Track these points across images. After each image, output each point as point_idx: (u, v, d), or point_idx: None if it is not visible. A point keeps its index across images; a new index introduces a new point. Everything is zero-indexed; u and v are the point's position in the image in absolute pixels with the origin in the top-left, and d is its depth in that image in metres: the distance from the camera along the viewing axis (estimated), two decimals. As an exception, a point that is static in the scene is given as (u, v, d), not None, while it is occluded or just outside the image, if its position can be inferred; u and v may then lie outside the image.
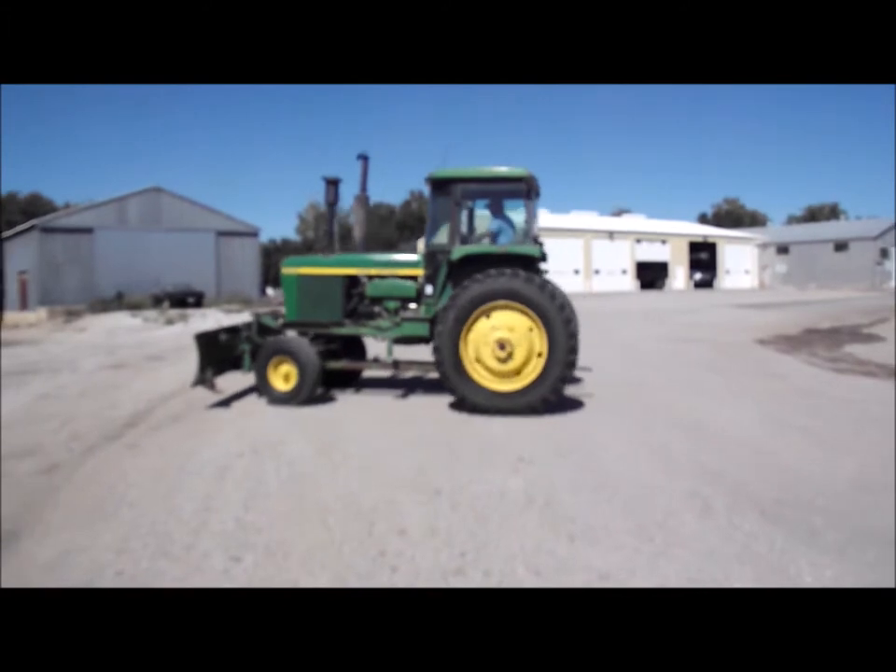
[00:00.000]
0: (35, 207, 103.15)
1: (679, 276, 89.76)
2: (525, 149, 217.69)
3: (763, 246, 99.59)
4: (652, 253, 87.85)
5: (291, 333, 15.30)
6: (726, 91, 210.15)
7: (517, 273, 13.00)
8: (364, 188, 15.84)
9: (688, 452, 10.23)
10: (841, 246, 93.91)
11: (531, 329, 12.97)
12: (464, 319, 13.06)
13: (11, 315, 71.21)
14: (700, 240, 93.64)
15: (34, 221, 66.56)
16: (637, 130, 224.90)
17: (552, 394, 12.79)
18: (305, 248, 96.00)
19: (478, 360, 13.10)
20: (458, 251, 13.86)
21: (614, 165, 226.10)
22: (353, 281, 15.35)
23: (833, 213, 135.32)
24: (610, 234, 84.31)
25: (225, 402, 14.65)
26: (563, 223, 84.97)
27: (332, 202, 15.91)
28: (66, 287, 63.00)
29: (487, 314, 13.12)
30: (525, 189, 13.96)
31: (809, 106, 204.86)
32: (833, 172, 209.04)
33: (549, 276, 14.32)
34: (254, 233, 72.61)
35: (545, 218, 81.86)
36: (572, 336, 12.85)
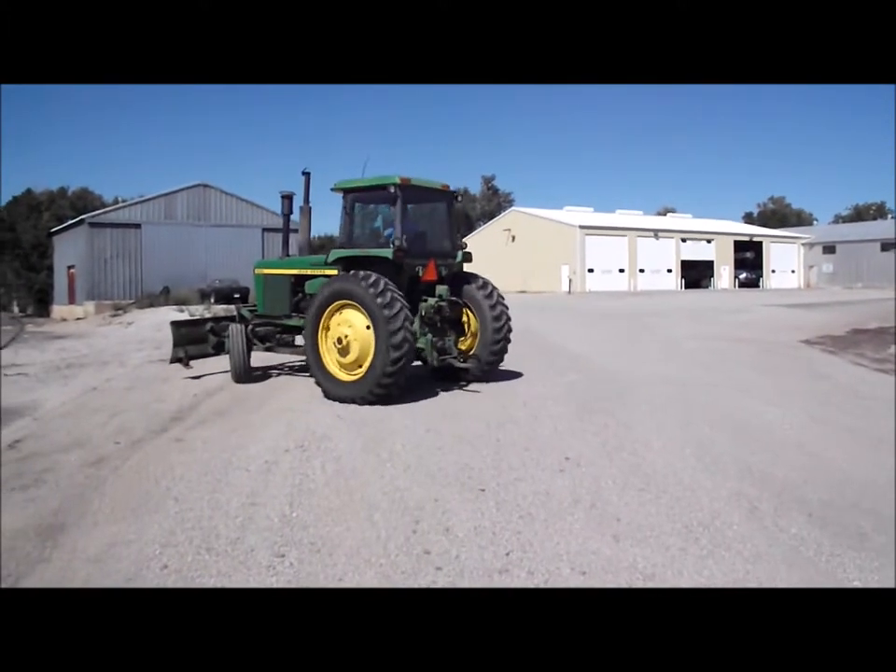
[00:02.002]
0: (84, 202, 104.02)
1: (725, 276, 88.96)
2: (571, 148, 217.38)
3: (809, 246, 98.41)
4: (698, 252, 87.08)
5: (235, 324, 17.43)
6: (772, 90, 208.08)
7: (356, 275, 14.01)
8: (307, 200, 17.19)
9: (733, 452, 10.15)
10: (888, 246, 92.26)
11: (368, 327, 13.76)
12: (318, 315, 14.47)
13: (59, 309, 72.19)
14: (745, 239, 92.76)
15: (82, 216, 67.21)
16: (683, 129, 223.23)
17: (374, 389, 13.45)
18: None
19: (331, 353, 14.39)
20: (332, 254, 15.54)
21: (660, 164, 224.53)
22: (300, 280, 16.58)
23: (879, 212, 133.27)
24: (656, 233, 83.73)
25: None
26: (608, 222, 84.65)
27: (287, 213, 17.60)
28: (114, 281, 63.57)
29: (341, 310, 14.34)
30: (392, 196, 14.76)
31: (855, 105, 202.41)
32: (879, 170, 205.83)
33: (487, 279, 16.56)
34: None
35: (590, 217, 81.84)
36: (393, 343, 13.29)
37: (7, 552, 7.06)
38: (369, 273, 13.91)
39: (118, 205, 73.98)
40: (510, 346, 16.03)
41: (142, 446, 10.97)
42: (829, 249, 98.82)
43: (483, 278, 16.39)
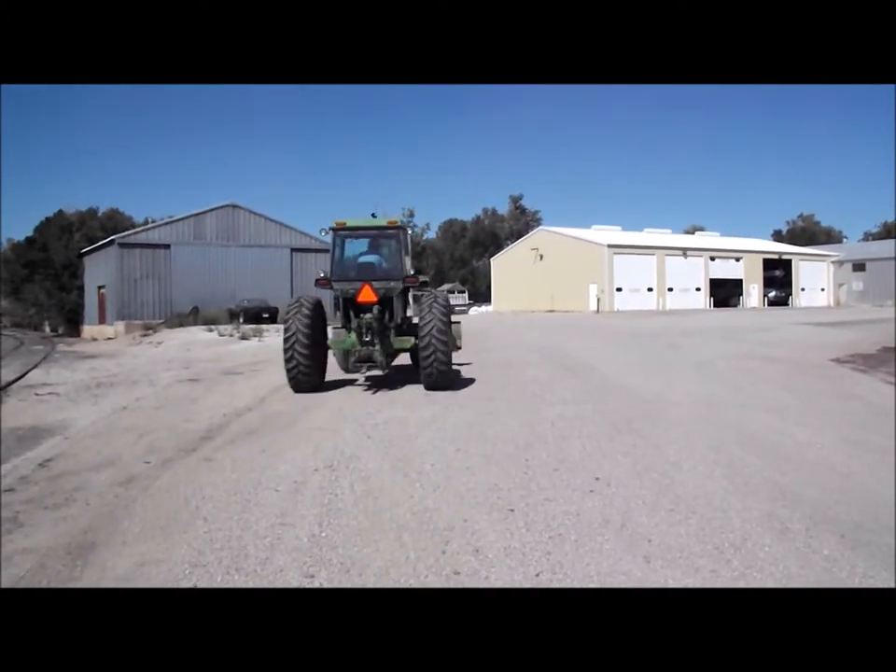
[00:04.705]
0: (114, 223, 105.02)
1: (754, 294, 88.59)
2: (598, 168, 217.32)
3: (839, 263, 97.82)
4: (726, 270, 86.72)
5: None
6: (801, 108, 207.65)
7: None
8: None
9: (764, 473, 10.07)
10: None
11: None
12: None
13: (90, 329, 72.67)
14: (774, 257, 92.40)
15: (113, 237, 67.61)
16: (711, 148, 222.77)
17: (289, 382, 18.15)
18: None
19: None
20: None
21: (688, 183, 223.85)
22: None
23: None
24: (684, 252, 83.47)
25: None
26: (636, 240, 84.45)
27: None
28: (143, 301, 63.81)
29: None
30: (332, 234, 19.46)
31: (884, 122, 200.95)
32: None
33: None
34: (328, 250, 72.26)
35: (619, 236, 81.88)
36: (284, 349, 17.97)
37: (37, 570, 7.10)
38: (298, 298, 18.88)
39: (147, 226, 74.49)
40: (540, 363, 16.11)
41: (171, 466, 11.01)
42: (859, 267, 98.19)
43: (429, 295, 18.52)
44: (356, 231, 19.84)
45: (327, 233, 19.63)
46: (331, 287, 19.08)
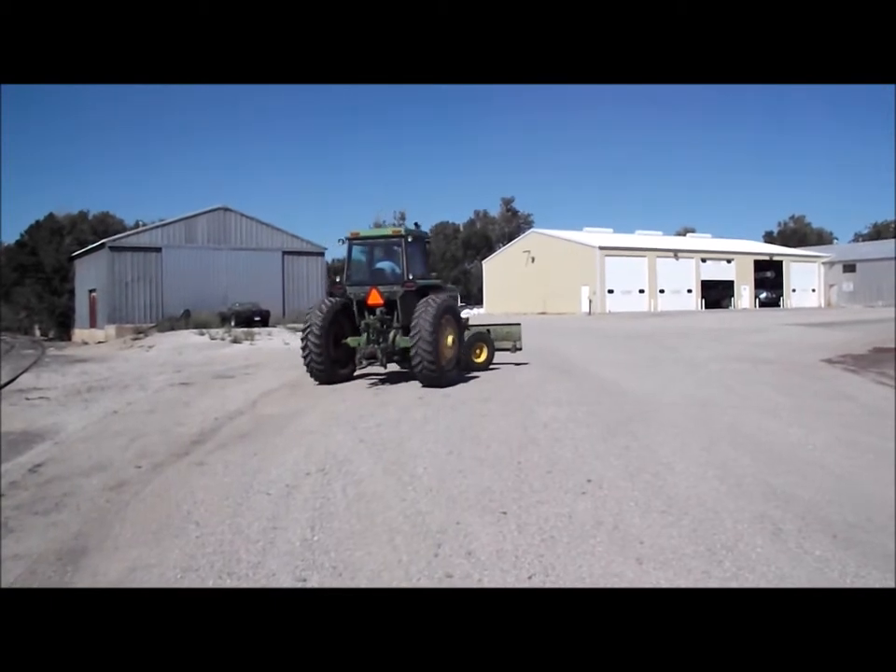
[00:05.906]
0: (105, 226, 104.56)
1: (745, 295, 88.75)
2: (589, 168, 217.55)
3: (830, 265, 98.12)
4: (718, 272, 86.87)
5: None
6: (792, 110, 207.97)
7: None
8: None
9: (756, 474, 10.07)
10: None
11: None
12: None
13: (81, 333, 72.43)
14: (766, 259, 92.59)
15: (104, 240, 67.34)
16: (703, 150, 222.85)
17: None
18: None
19: None
20: None
21: (679, 185, 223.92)
22: None
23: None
24: (675, 254, 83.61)
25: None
26: (628, 242, 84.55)
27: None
28: (135, 304, 63.52)
29: None
30: (347, 243, 21.02)
31: (875, 124, 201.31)
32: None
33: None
34: (320, 253, 72.41)
35: (610, 238, 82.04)
36: (301, 346, 20.24)
37: (28, 576, 7.07)
38: (321, 300, 21.07)
39: (138, 229, 74.03)
40: (534, 365, 16.16)
41: (163, 470, 10.99)
42: (849, 268, 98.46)
43: (429, 299, 19.49)
44: (366, 241, 21.53)
45: (343, 243, 21.07)
46: (345, 292, 20.63)
